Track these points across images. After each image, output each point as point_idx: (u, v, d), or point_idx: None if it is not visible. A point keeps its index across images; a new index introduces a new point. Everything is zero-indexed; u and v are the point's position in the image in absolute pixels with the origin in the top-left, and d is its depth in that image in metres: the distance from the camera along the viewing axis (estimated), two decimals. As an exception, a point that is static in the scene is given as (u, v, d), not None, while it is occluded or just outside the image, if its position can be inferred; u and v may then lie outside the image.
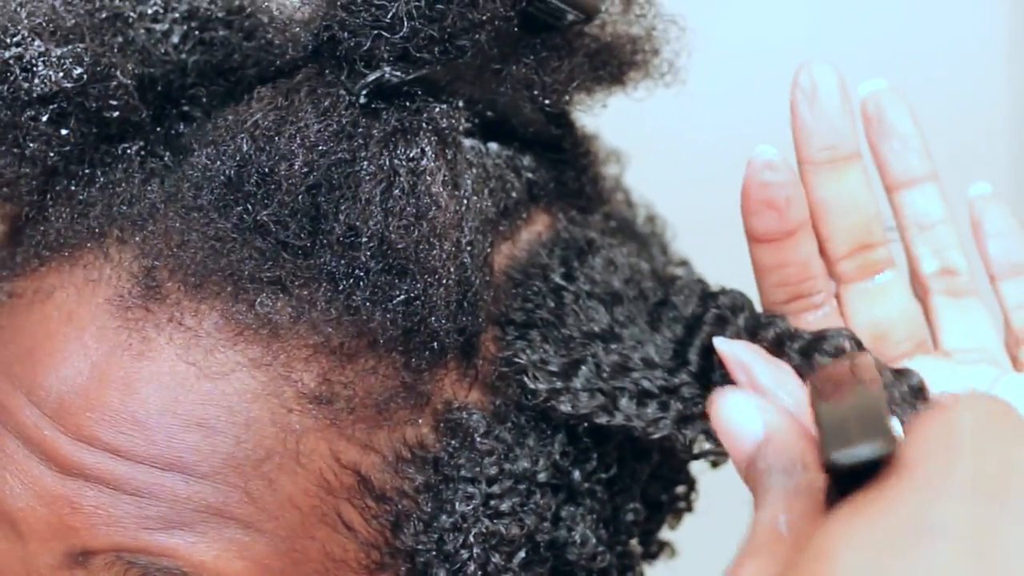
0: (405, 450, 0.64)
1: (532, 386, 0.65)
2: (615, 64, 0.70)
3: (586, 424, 0.66)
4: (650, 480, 0.73)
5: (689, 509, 0.79)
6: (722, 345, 0.64)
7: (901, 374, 0.63)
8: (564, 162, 0.73)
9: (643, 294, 0.70)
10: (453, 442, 0.65)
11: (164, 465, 0.61)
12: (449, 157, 0.64)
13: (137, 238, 0.63)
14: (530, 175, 0.70)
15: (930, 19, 1.54)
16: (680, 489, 0.78)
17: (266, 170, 0.61)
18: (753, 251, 0.68)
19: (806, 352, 0.66)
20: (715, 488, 0.78)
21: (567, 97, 0.68)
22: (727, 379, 0.64)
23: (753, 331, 0.68)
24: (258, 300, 0.61)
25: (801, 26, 1.54)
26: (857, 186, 0.68)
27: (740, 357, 0.63)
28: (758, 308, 0.70)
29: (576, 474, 0.68)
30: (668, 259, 0.81)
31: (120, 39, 0.65)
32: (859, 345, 0.66)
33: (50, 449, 0.61)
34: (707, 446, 0.68)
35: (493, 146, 0.69)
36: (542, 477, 0.67)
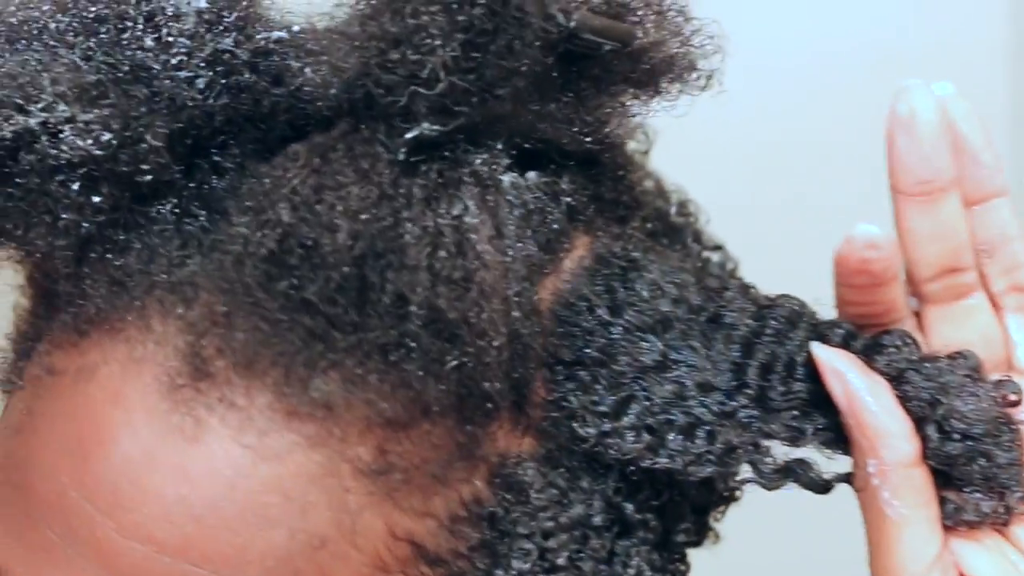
0: (461, 510, 0.65)
1: (582, 431, 0.66)
2: (653, 82, 0.69)
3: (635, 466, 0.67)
4: (697, 489, 0.73)
5: (734, 499, 0.79)
6: (819, 352, 0.65)
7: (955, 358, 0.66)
8: (601, 174, 0.73)
9: (693, 310, 0.69)
10: (508, 496, 0.65)
11: (219, 562, 0.60)
12: (492, 205, 0.63)
13: (179, 310, 0.62)
14: (569, 199, 0.69)
15: (930, 19, 1.52)
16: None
17: (309, 243, 0.60)
18: (838, 290, 0.68)
19: (867, 351, 0.67)
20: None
21: (606, 127, 0.67)
22: (787, 398, 0.65)
23: (817, 339, 0.68)
24: (311, 384, 0.60)
25: (801, 26, 1.52)
26: (951, 215, 0.68)
27: (835, 365, 0.64)
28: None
29: (629, 508, 0.69)
30: (702, 246, 0.81)
31: (146, 90, 0.63)
32: (914, 343, 0.67)
33: (105, 547, 0.61)
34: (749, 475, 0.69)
35: (531, 175, 0.68)
36: (597, 520, 0.67)
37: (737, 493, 0.77)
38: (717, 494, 0.75)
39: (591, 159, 0.72)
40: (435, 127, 0.62)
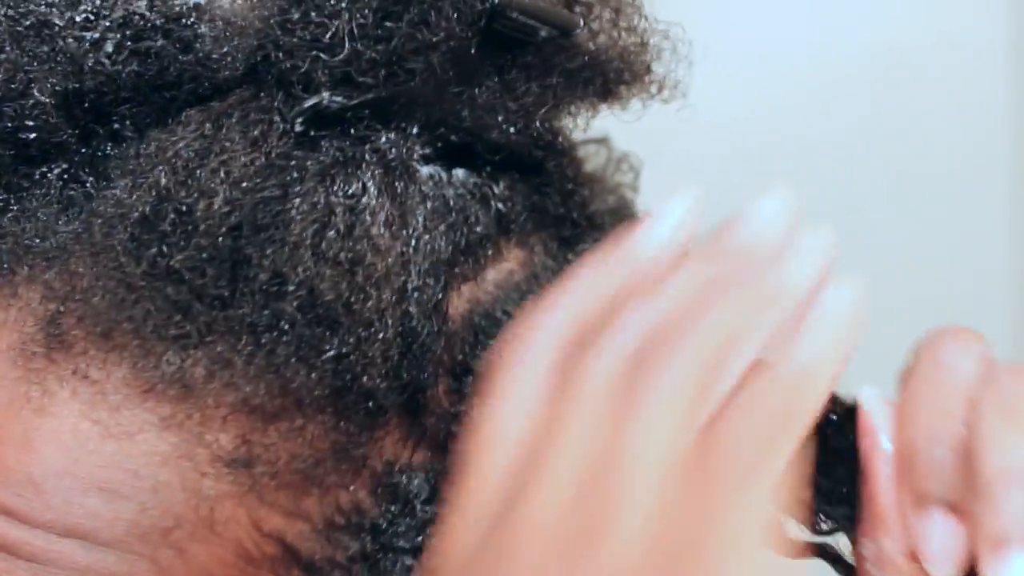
0: (338, 516, 0.61)
1: None
2: (600, 81, 0.65)
3: None
4: None
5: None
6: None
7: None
8: (547, 185, 0.68)
9: None
10: (392, 508, 0.62)
11: (62, 531, 0.58)
12: (398, 191, 0.59)
13: (46, 276, 0.59)
14: (501, 205, 0.65)
15: (930, 19, 1.51)
16: None
17: (183, 208, 0.57)
18: None
19: None
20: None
21: (538, 121, 0.63)
22: None
23: None
24: (164, 357, 0.57)
25: (801, 27, 1.52)
26: None
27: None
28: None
29: None
30: None
31: (46, 48, 0.61)
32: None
33: None
34: None
35: (459, 173, 0.64)
36: None
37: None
38: None
39: (535, 166, 0.67)
40: (337, 99, 0.59)
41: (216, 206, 0.57)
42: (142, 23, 0.62)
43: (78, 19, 0.62)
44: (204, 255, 0.57)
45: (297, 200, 0.58)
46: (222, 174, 0.57)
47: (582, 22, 0.63)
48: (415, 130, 0.61)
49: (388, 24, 0.58)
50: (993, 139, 1.54)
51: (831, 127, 1.53)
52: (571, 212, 0.70)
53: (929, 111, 1.54)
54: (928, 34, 1.52)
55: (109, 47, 0.62)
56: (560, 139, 0.69)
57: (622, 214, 0.77)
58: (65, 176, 0.62)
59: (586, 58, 0.64)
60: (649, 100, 0.68)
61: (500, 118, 0.63)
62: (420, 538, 0.61)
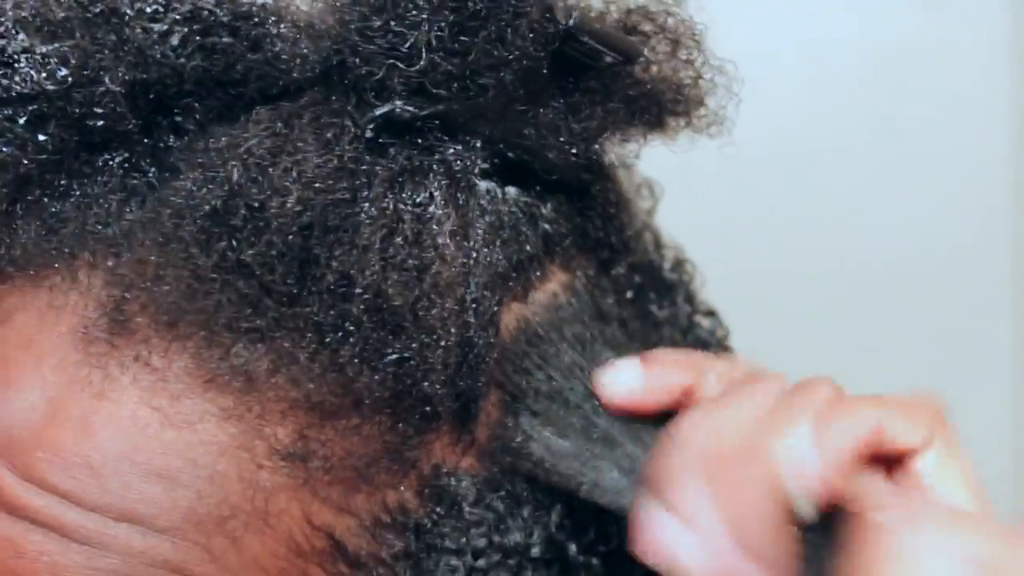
0: (385, 515, 0.63)
1: (524, 455, 0.64)
2: (655, 111, 0.67)
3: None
4: None
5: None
6: None
7: None
8: (590, 208, 0.70)
9: None
10: (439, 509, 0.63)
11: (117, 515, 0.59)
12: (461, 203, 0.61)
13: (110, 263, 0.61)
14: (547, 226, 0.68)
15: (930, 19, 1.54)
16: None
17: (256, 204, 0.58)
18: None
19: None
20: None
21: (596, 145, 0.65)
22: None
23: None
24: (233, 349, 0.58)
25: (801, 27, 1.54)
26: None
27: None
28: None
29: (573, 548, 0.66)
30: (694, 309, 0.78)
31: (114, 37, 0.62)
32: None
33: None
34: None
35: (511, 191, 0.66)
36: (535, 552, 0.65)
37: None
38: None
39: (580, 189, 0.69)
40: (409, 108, 0.60)
41: (289, 204, 0.58)
42: (210, 19, 0.64)
43: (147, 10, 0.63)
44: (274, 252, 0.58)
45: (367, 204, 0.59)
46: (295, 173, 0.59)
47: (644, 51, 0.65)
48: (478, 144, 0.63)
49: (465, 39, 0.59)
50: (993, 139, 1.56)
51: (830, 127, 1.55)
52: (610, 236, 0.72)
53: (929, 111, 1.56)
54: (928, 34, 1.54)
55: (175, 40, 0.63)
56: (604, 164, 0.71)
57: (648, 237, 0.79)
58: (126, 165, 0.63)
59: (646, 86, 0.66)
60: (696, 134, 0.69)
61: (561, 139, 0.64)
62: (464, 539, 0.63)
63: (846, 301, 1.56)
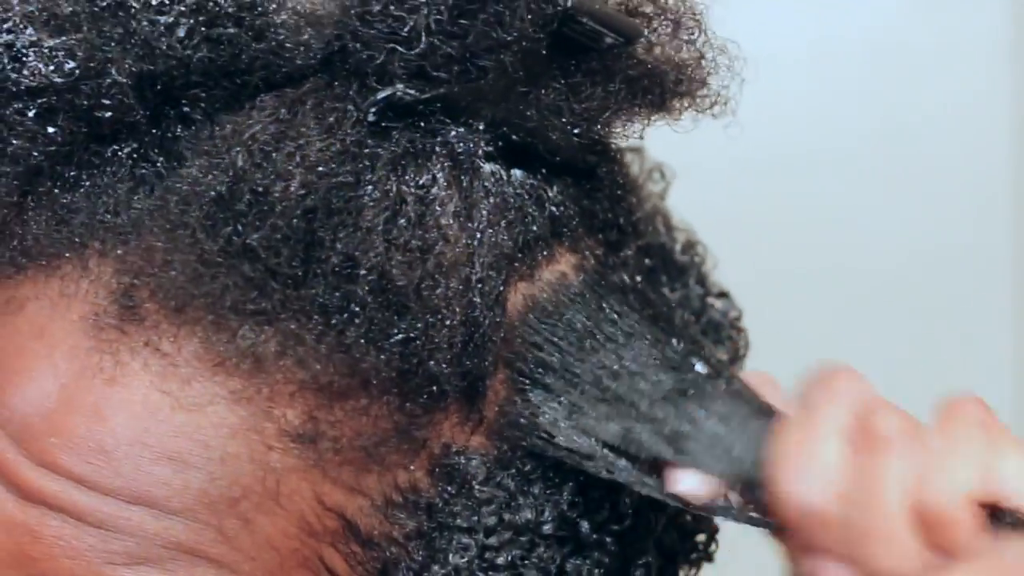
0: (396, 495, 0.64)
1: (533, 429, 0.65)
2: (658, 92, 0.68)
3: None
4: (667, 529, 0.73)
5: (708, 559, 0.78)
6: None
7: None
8: (597, 190, 0.71)
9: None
10: (449, 488, 0.65)
11: (131, 498, 0.60)
12: (464, 184, 0.62)
13: (119, 251, 0.62)
14: (554, 208, 0.68)
15: (930, 19, 1.54)
16: (700, 537, 0.77)
17: (260, 189, 0.60)
18: None
19: None
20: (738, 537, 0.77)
21: (599, 126, 0.66)
22: None
23: None
24: (240, 332, 0.60)
25: (801, 27, 1.54)
26: None
27: None
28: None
29: (585, 525, 0.67)
30: (706, 290, 0.79)
31: (121, 30, 0.64)
32: None
33: (11, 473, 0.61)
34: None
35: (517, 173, 0.67)
36: (547, 529, 0.66)
37: (711, 550, 0.76)
38: (688, 540, 0.75)
39: (587, 171, 0.70)
40: (411, 91, 0.61)
41: (292, 188, 0.59)
42: (215, 9, 0.65)
43: (153, 2, 0.64)
44: (279, 235, 0.59)
45: (370, 187, 0.60)
46: (298, 158, 0.60)
47: (645, 31, 0.66)
48: (481, 126, 0.64)
49: (464, 21, 0.61)
50: (993, 139, 1.56)
51: (830, 127, 1.56)
52: (618, 217, 0.73)
53: (929, 111, 1.56)
54: (928, 34, 1.54)
55: (181, 32, 0.64)
56: (611, 146, 0.72)
57: (659, 220, 0.80)
58: (135, 155, 0.65)
59: (646, 67, 0.67)
60: (700, 114, 0.70)
61: (563, 120, 0.65)
62: (476, 518, 0.64)
63: (845, 300, 1.57)
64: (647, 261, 0.75)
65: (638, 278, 0.72)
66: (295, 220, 0.59)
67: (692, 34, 0.68)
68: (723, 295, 0.80)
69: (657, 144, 0.76)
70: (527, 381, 0.65)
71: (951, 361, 1.56)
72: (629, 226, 0.73)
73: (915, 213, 1.58)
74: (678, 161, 0.82)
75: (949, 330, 1.60)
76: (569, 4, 0.62)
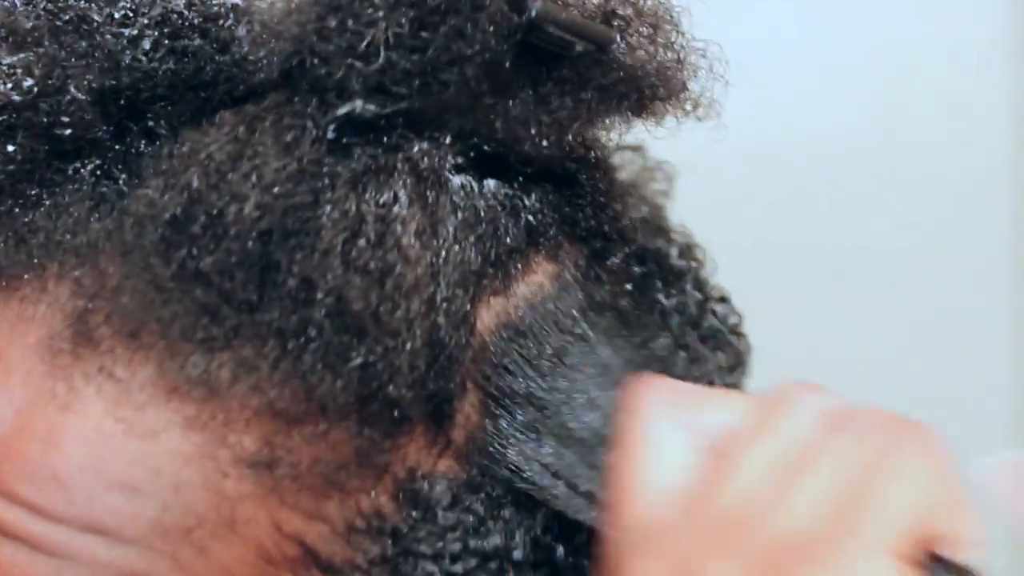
0: (359, 520, 0.63)
1: (501, 460, 0.64)
2: (635, 97, 0.66)
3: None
4: None
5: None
6: None
7: None
8: (579, 197, 0.70)
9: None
10: (414, 513, 0.64)
11: (84, 527, 0.60)
12: (429, 201, 0.61)
13: (76, 273, 0.62)
14: (531, 217, 0.67)
15: (930, 19, 1.53)
16: None
17: (214, 211, 0.59)
18: None
19: None
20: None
21: (570, 136, 0.65)
22: None
23: None
24: (191, 359, 0.59)
25: (801, 27, 1.53)
26: None
27: None
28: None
29: (561, 550, 0.66)
30: (705, 296, 0.77)
31: (84, 43, 0.63)
32: None
33: None
34: None
35: (490, 183, 0.66)
36: (517, 555, 0.65)
37: None
38: None
39: (568, 178, 0.69)
40: (370, 107, 0.60)
41: (247, 211, 0.58)
42: (180, 21, 0.64)
43: (117, 15, 0.64)
44: (233, 259, 0.58)
45: (328, 207, 0.59)
46: (254, 178, 0.59)
47: (619, 37, 0.65)
48: (448, 139, 0.63)
49: (424, 35, 0.59)
50: (993, 139, 1.55)
51: (830, 127, 1.55)
52: (602, 225, 0.71)
53: (929, 111, 1.55)
54: (928, 34, 1.53)
55: (147, 44, 0.64)
56: (594, 152, 0.70)
57: (654, 224, 0.78)
58: (98, 172, 0.64)
59: (622, 73, 0.65)
60: (684, 118, 0.68)
61: (533, 131, 0.64)
62: (441, 544, 0.63)
63: (845, 299, 1.56)
64: (637, 269, 0.73)
65: (628, 287, 0.71)
66: (250, 243, 0.58)
67: (670, 36, 0.67)
68: (723, 300, 0.79)
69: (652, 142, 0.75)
70: (496, 407, 0.64)
71: (951, 361, 1.56)
72: (615, 233, 0.72)
73: (915, 213, 1.57)
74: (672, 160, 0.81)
75: (949, 330, 1.59)
76: (534, 14, 0.61)
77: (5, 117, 0.61)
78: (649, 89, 0.67)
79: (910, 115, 1.54)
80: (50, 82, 0.61)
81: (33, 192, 0.63)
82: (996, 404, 1.51)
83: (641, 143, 0.78)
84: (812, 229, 1.55)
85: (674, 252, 0.78)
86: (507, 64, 0.62)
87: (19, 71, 0.61)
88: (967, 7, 1.54)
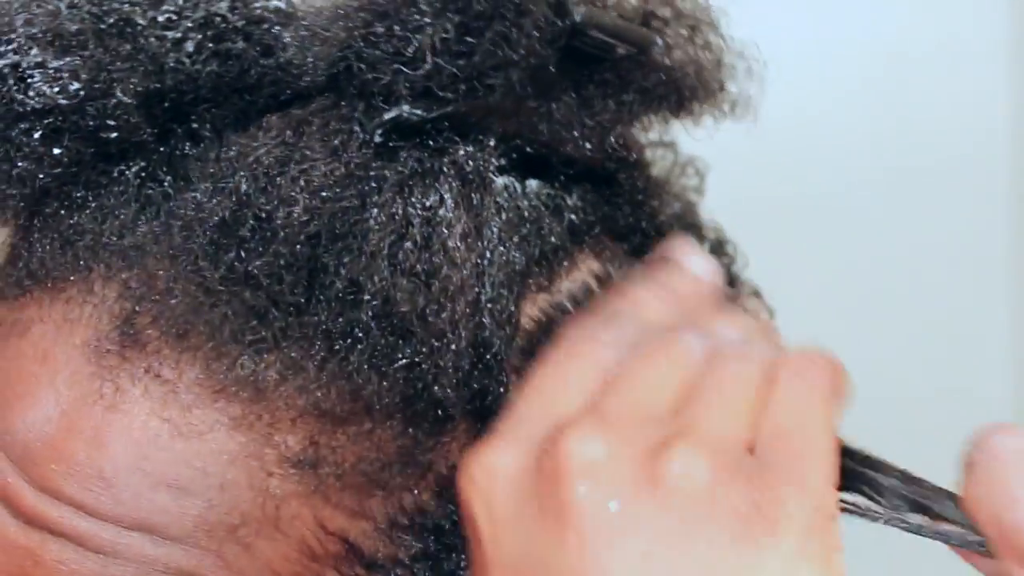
0: (402, 517, 0.64)
1: None
2: (675, 98, 0.68)
3: None
4: None
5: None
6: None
7: None
8: (618, 196, 0.71)
9: None
10: (457, 510, 0.64)
11: (131, 524, 0.61)
12: (474, 203, 0.62)
13: (123, 276, 0.62)
14: (573, 216, 0.68)
15: (930, 19, 1.53)
16: None
17: (263, 215, 0.59)
18: None
19: None
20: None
21: (613, 138, 0.66)
22: None
23: None
24: (239, 360, 0.60)
25: (801, 27, 1.53)
26: None
27: None
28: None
29: None
30: (736, 291, 0.78)
31: (128, 47, 0.63)
32: None
33: (13, 497, 0.62)
34: None
35: (533, 184, 0.67)
36: None
37: None
38: None
39: (607, 178, 0.70)
40: (417, 111, 0.61)
41: (295, 214, 0.59)
42: (223, 24, 0.65)
43: (160, 19, 0.64)
44: (282, 262, 0.59)
45: (375, 210, 0.60)
46: (302, 182, 0.60)
47: (659, 39, 0.65)
48: (492, 142, 0.64)
49: (469, 40, 0.60)
50: (993, 139, 1.56)
51: (831, 127, 1.55)
52: (640, 222, 0.73)
53: (929, 111, 1.56)
54: (928, 34, 1.54)
55: (190, 47, 0.64)
56: (633, 151, 0.71)
57: (686, 220, 0.79)
58: (143, 175, 0.65)
59: (662, 75, 0.66)
60: (721, 117, 0.69)
61: (576, 133, 0.65)
62: None
63: (844, 299, 1.56)
64: None
65: None
66: (298, 246, 0.59)
67: (708, 38, 0.68)
68: (755, 294, 0.80)
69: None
70: None
71: (951, 361, 1.56)
72: (652, 229, 0.73)
73: (915, 213, 1.58)
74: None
75: (949, 330, 1.60)
76: (578, 19, 0.62)
77: (51, 120, 0.61)
78: (688, 90, 0.68)
79: (909, 115, 1.55)
80: (96, 86, 0.62)
81: (79, 194, 0.64)
82: (996, 405, 1.52)
83: (673, 140, 0.78)
84: (812, 228, 1.56)
85: (706, 248, 0.79)
86: (551, 68, 0.62)
87: (65, 75, 0.61)
88: (967, 7, 1.54)
